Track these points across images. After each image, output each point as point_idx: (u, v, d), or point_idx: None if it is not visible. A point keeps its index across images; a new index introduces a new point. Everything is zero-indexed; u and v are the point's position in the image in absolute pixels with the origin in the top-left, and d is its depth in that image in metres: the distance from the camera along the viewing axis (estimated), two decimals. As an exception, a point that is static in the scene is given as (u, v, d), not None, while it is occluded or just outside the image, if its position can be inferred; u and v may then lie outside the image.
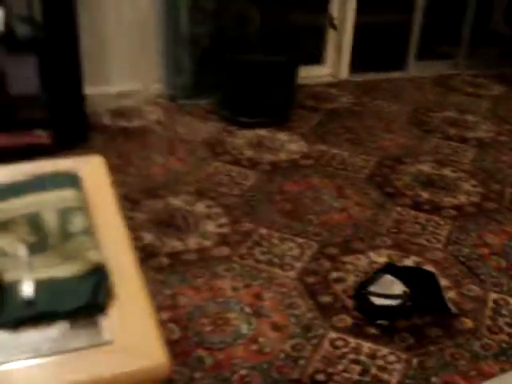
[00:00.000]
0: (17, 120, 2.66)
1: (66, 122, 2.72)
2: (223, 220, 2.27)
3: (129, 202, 2.33)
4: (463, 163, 2.86)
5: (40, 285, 0.88)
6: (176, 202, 2.36)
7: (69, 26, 2.68)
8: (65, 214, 1.07)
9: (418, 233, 2.28)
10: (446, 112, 3.45)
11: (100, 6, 3.03)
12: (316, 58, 3.86)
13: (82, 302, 0.86)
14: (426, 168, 2.78)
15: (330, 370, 1.63)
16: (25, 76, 2.61)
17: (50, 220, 1.06)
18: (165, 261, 2.01)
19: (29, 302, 0.85)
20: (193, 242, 2.13)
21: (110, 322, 0.84)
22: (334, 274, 2.02)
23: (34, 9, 2.57)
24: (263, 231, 2.22)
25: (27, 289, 0.87)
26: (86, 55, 2.82)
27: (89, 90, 2.85)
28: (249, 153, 2.80)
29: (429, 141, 3.07)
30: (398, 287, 1.89)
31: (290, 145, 2.92)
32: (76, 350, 0.80)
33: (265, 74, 2.96)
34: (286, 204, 2.41)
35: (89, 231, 1.03)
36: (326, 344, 1.72)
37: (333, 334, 1.75)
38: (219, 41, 2.99)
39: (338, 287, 1.96)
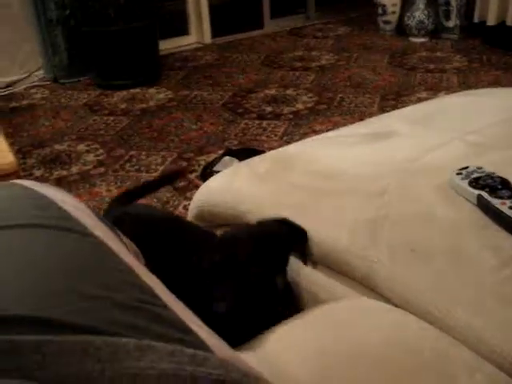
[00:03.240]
0: None
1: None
2: (100, 151, 2.75)
3: (21, 153, 2.77)
4: (305, 84, 3.43)
5: None
6: (60, 147, 2.83)
7: None
8: None
9: (260, 133, 2.82)
10: (295, 52, 4.03)
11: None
12: (182, 30, 4.38)
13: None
14: (272, 92, 3.33)
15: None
16: None
17: None
18: (52, 183, 2.48)
19: None
20: (75, 168, 2.60)
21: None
22: (189, 168, 2.53)
23: None
24: (133, 153, 2.72)
25: None
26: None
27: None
28: (122, 106, 3.29)
29: (276, 73, 3.63)
30: (235, 163, 2.41)
31: (158, 95, 3.42)
32: None
33: (127, 40, 3.46)
34: (153, 133, 2.91)
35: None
36: (180, 208, 2.22)
37: (185, 202, 2.26)
38: (83, 17, 3.46)
39: (192, 176, 2.47)
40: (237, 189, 1.26)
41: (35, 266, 0.54)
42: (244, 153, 2.51)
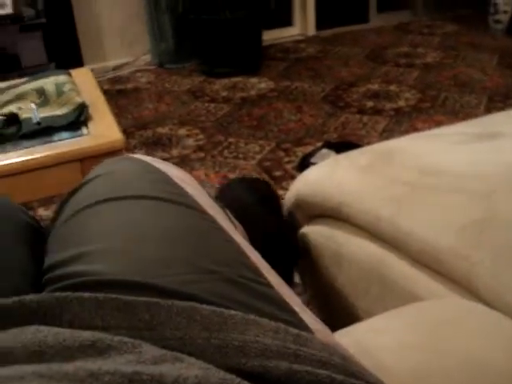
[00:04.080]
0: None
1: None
2: (200, 137, 2.81)
3: (124, 134, 2.87)
4: (408, 80, 3.36)
5: (44, 117, 1.46)
6: (162, 130, 2.90)
7: (65, 10, 3.28)
8: (59, 84, 1.65)
9: (360, 128, 2.79)
10: (400, 48, 3.95)
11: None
12: (286, 21, 4.39)
13: (70, 120, 1.44)
14: (374, 87, 3.29)
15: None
16: (34, 50, 3.19)
17: (50, 88, 1.64)
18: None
19: (38, 123, 1.43)
20: (175, 152, 2.67)
21: (89, 129, 1.44)
22: (286, 159, 2.54)
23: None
24: (232, 140, 2.75)
25: (35, 118, 1.44)
26: (84, 39, 3.42)
27: (89, 66, 3.42)
28: (224, 93, 3.34)
29: (380, 69, 3.58)
30: (332, 156, 2.40)
31: (259, 85, 3.45)
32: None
33: (232, 29, 3.50)
34: (253, 122, 2.94)
35: (75, 90, 1.60)
36: (275, 198, 2.23)
37: (280, 191, 2.27)
38: (191, 5, 3.53)
39: (289, 166, 2.48)
40: (337, 180, 1.26)
41: (155, 237, 0.56)
42: (342, 146, 2.49)
